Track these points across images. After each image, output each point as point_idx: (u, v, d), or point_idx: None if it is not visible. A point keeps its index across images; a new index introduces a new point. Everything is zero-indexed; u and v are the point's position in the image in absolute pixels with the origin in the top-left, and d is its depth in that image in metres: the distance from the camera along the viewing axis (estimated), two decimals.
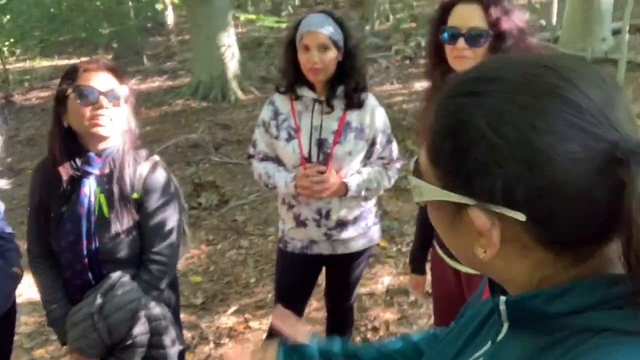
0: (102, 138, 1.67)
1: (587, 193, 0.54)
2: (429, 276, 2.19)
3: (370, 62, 9.54)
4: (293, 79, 2.12)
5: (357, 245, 2.27)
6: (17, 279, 1.97)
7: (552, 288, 0.59)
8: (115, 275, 1.72)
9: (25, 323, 3.37)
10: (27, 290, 3.53)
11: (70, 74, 1.68)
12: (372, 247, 2.37)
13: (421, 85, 7.10)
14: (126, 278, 1.73)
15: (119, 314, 1.67)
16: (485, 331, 0.74)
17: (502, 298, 0.62)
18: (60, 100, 1.67)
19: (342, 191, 2.11)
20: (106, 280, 1.72)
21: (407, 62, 9.37)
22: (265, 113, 2.20)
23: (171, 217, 1.78)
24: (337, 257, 2.27)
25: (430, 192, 0.63)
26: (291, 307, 2.41)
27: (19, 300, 3.55)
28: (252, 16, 11.85)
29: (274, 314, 1.06)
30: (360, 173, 2.15)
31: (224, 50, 8.10)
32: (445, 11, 1.71)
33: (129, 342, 1.69)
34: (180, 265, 3.81)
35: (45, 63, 13.29)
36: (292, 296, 2.43)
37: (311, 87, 2.11)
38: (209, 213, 4.58)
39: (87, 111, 1.62)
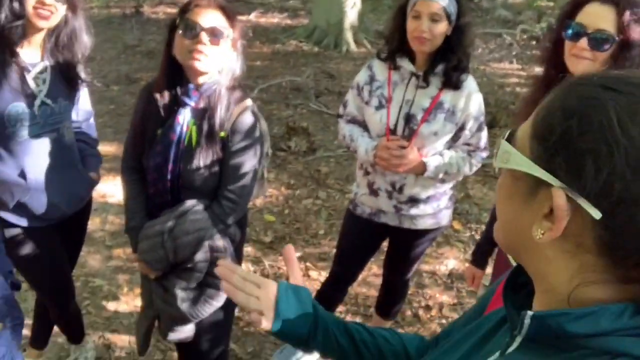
0: (199, 72, 1.74)
1: None
2: (488, 270, 2.15)
3: (494, 36, 9.10)
4: (396, 47, 2.09)
5: (424, 224, 2.26)
6: (92, 183, 2.16)
7: (581, 309, 0.59)
8: (190, 202, 1.84)
9: (111, 222, 3.69)
10: (118, 192, 3.85)
11: (184, 7, 1.75)
12: (440, 229, 2.35)
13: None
14: (199, 207, 1.84)
15: (186, 237, 1.79)
16: (495, 340, 0.74)
17: (530, 313, 0.62)
18: (172, 30, 1.76)
19: (420, 169, 2.09)
20: (181, 205, 1.84)
21: (534, 42, 8.83)
22: (361, 76, 2.20)
23: (250, 161, 1.86)
24: (403, 230, 2.28)
25: (519, 160, 0.64)
26: (348, 267, 2.51)
27: (110, 200, 3.91)
28: None
29: (287, 247, 1.10)
30: (442, 155, 2.12)
31: None
32: (577, 5, 1.61)
33: (190, 265, 1.82)
34: (258, 202, 3.98)
35: None
36: (351, 257, 2.49)
37: (412, 59, 2.07)
38: (295, 158, 4.69)
39: (188, 44, 1.69)
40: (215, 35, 1.69)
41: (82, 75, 2.04)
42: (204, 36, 1.67)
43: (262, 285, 1.00)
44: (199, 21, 1.68)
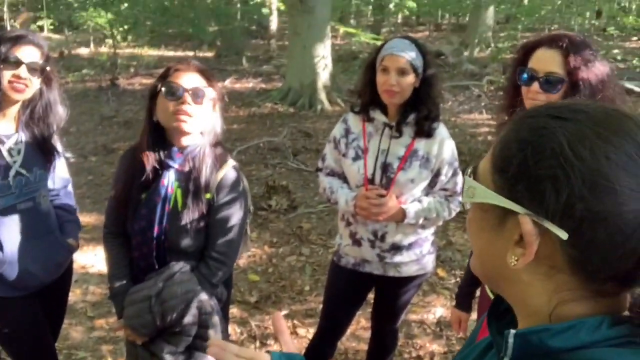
0: (184, 133, 1.78)
1: (635, 232, 0.58)
2: (473, 316, 2.16)
3: (462, 89, 9.42)
4: (368, 101, 2.17)
5: (409, 271, 2.27)
6: (71, 250, 2.14)
7: (560, 324, 0.62)
8: (178, 265, 1.84)
9: (92, 292, 3.62)
10: (99, 263, 3.81)
11: (164, 73, 1.82)
12: (425, 275, 2.37)
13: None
14: (186, 269, 1.84)
15: (174, 301, 1.77)
16: None
17: (512, 331, 0.64)
18: (153, 95, 1.81)
19: (400, 217, 2.13)
20: (168, 267, 1.83)
21: (501, 93, 9.16)
22: (337, 130, 2.26)
23: (235, 217, 1.87)
24: (388, 278, 2.29)
25: (484, 194, 0.67)
26: (336, 320, 2.49)
27: (91, 270, 3.85)
28: (351, 30, 12.02)
29: (275, 316, 1.10)
30: (420, 202, 2.16)
31: (317, 60, 8.30)
32: (527, 52, 1.71)
33: (178, 329, 1.80)
34: (242, 262, 3.95)
35: (152, 52, 14.12)
36: (339, 309, 2.48)
37: (384, 111, 2.15)
38: (277, 216, 4.71)
39: (172, 106, 1.74)
40: (197, 95, 1.74)
41: (58, 146, 2.07)
42: (188, 97, 1.73)
43: (255, 359, 1.00)
44: (181, 83, 1.74)
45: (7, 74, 1.81)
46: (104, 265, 1.99)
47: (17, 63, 1.82)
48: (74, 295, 3.57)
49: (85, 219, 4.49)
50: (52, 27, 20.57)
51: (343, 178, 2.29)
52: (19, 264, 1.94)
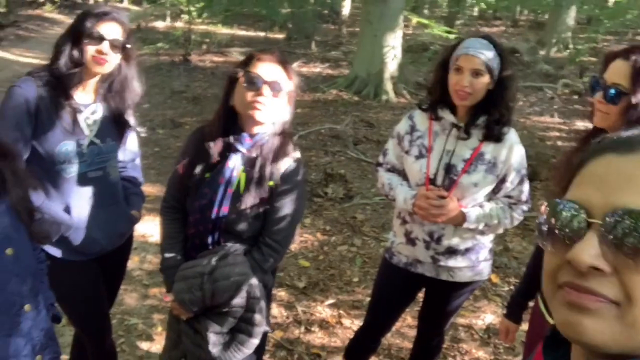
0: (257, 122, 1.81)
1: None
2: (523, 327, 2.09)
3: (535, 89, 9.08)
4: (437, 99, 2.12)
5: (463, 276, 2.22)
6: (133, 221, 2.22)
7: None
8: (232, 246, 1.87)
9: (149, 261, 3.75)
10: (158, 233, 3.92)
11: (246, 61, 1.84)
12: (478, 282, 2.31)
13: (585, 125, 6.63)
14: (240, 251, 1.87)
15: (225, 282, 1.80)
16: None
17: None
18: (232, 81, 1.84)
19: (459, 220, 2.07)
20: (223, 247, 1.86)
21: (576, 97, 8.77)
22: (402, 126, 2.22)
23: (293, 208, 1.89)
24: (440, 282, 2.24)
25: None
26: (382, 317, 2.47)
27: (150, 239, 3.98)
28: (424, 21, 11.78)
29: None
30: (482, 207, 2.10)
31: (387, 50, 8.19)
32: (607, 61, 1.64)
33: (225, 309, 1.83)
34: (294, 247, 3.99)
35: (224, 30, 14.34)
36: (386, 307, 2.45)
37: (453, 110, 2.09)
38: (332, 204, 4.71)
39: (249, 95, 1.76)
40: (275, 88, 1.76)
41: (131, 121, 2.14)
42: (266, 89, 1.74)
43: None
44: (261, 75, 1.76)
45: (91, 49, 1.89)
46: None
47: (100, 39, 1.89)
48: (132, 262, 3.70)
49: (148, 189, 4.64)
50: None
51: (403, 175, 2.25)
52: (85, 230, 2.03)
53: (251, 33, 15.49)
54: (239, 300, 1.82)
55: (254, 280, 1.84)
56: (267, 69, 1.77)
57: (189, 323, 1.91)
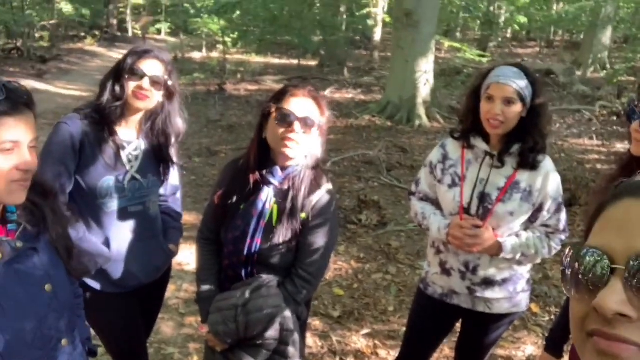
0: (288, 158, 1.83)
1: None
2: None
3: (571, 112, 8.92)
4: (469, 127, 2.10)
5: (500, 308, 2.17)
6: (170, 255, 2.25)
7: None
8: (266, 277, 1.88)
9: (185, 290, 3.79)
10: (194, 261, 3.97)
11: (279, 95, 1.85)
12: (516, 314, 2.25)
13: (624, 147, 6.47)
14: (274, 283, 1.88)
15: (259, 314, 1.80)
16: None
17: None
18: (265, 115, 1.87)
19: (495, 250, 2.04)
20: (257, 279, 1.87)
21: (614, 118, 8.58)
22: (434, 155, 2.21)
23: (326, 240, 1.89)
24: (476, 314, 2.19)
25: None
26: (418, 349, 2.43)
27: (186, 268, 4.03)
28: (456, 44, 11.77)
29: None
30: (519, 236, 2.06)
31: (419, 75, 8.20)
32: None
33: (259, 342, 1.83)
34: (328, 275, 3.97)
35: (258, 59, 14.66)
36: (422, 339, 2.41)
37: (485, 138, 2.07)
38: (366, 231, 4.69)
39: (281, 131, 1.78)
40: (307, 124, 1.77)
41: (174, 157, 2.18)
42: (297, 125, 1.75)
43: None
44: (293, 111, 1.76)
45: (132, 85, 1.95)
46: None
47: (141, 75, 1.95)
48: (168, 291, 3.72)
49: (185, 217, 4.67)
50: (169, 30, 21.98)
51: (436, 204, 2.23)
52: (123, 263, 2.07)
53: (284, 61, 15.75)
54: (273, 332, 1.81)
55: (287, 313, 1.84)
56: (299, 104, 1.78)
57: (224, 355, 1.92)
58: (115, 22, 22.47)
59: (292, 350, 1.85)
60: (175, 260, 4.07)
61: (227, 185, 1.95)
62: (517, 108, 1.96)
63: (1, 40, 15.96)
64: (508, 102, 1.95)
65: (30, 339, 1.27)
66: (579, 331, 0.64)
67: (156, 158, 2.13)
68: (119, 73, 1.97)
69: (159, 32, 22.25)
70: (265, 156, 1.87)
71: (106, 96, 1.97)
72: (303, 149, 1.81)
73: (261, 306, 1.80)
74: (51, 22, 17.65)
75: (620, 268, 0.59)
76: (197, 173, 6.24)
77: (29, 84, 11.46)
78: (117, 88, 1.96)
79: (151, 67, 1.97)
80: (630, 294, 0.58)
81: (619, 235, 0.61)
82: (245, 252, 1.86)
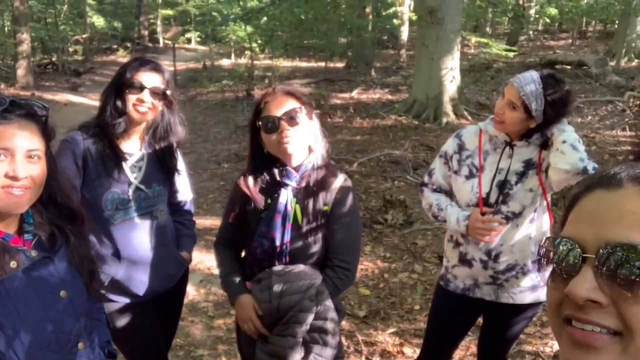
0: (291, 155, 1.86)
1: None
2: None
3: (604, 103, 8.72)
4: None
5: (524, 298, 2.15)
6: (183, 263, 2.26)
7: None
8: (301, 266, 1.89)
9: (214, 293, 3.86)
10: None
11: (256, 109, 1.90)
12: (539, 305, 2.22)
13: None
14: (308, 268, 1.89)
15: (297, 282, 1.82)
16: None
17: None
18: (254, 130, 1.90)
19: None
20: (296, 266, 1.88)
21: None
22: (450, 145, 2.22)
23: (353, 224, 1.93)
24: (500, 306, 2.18)
25: None
26: (441, 346, 2.43)
27: (215, 272, 4.10)
28: (483, 40, 11.64)
29: None
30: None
31: (445, 73, 8.15)
32: None
33: (292, 315, 1.81)
34: None
35: (285, 63, 14.77)
36: (444, 335, 2.41)
37: None
38: (392, 231, 4.70)
39: (273, 137, 1.82)
40: (291, 117, 1.81)
41: (179, 164, 2.23)
42: (284, 124, 1.80)
43: None
44: (274, 113, 1.81)
45: (132, 98, 1.99)
46: None
47: (141, 87, 1.99)
48: (198, 294, 3.85)
49: (213, 222, 4.82)
50: (198, 39, 22.35)
51: (450, 195, 2.24)
52: (135, 273, 2.09)
53: (312, 64, 15.82)
54: (307, 302, 1.81)
55: (329, 302, 1.85)
56: (276, 105, 1.82)
57: (263, 349, 1.90)
58: (146, 33, 23.01)
59: (330, 325, 1.85)
60: (205, 264, 4.19)
61: (239, 204, 1.96)
62: (517, 115, 1.98)
63: (37, 56, 16.50)
64: (511, 105, 1.99)
65: (47, 343, 1.32)
66: (555, 317, 0.67)
67: (161, 167, 2.17)
68: (119, 87, 2.00)
69: (188, 41, 22.64)
70: (273, 162, 1.90)
71: (108, 111, 2.00)
72: (300, 140, 1.84)
73: (298, 274, 1.83)
74: (84, 35, 18.16)
75: (591, 257, 0.62)
76: (226, 178, 6.35)
77: (65, 97, 11.83)
78: (119, 102, 1.99)
79: (150, 78, 2.01)
80: (600, 281, 0.61)
81: (590, 225, 0.64)
82: (276, 257, 1.88)
